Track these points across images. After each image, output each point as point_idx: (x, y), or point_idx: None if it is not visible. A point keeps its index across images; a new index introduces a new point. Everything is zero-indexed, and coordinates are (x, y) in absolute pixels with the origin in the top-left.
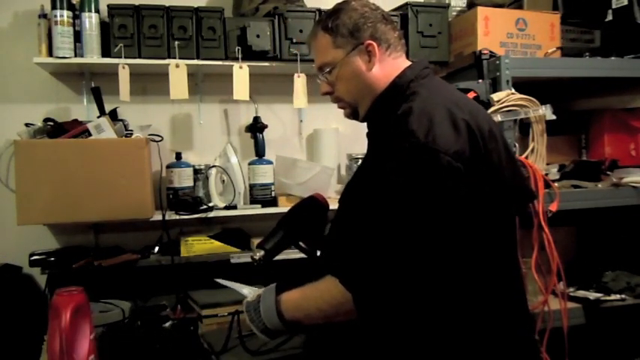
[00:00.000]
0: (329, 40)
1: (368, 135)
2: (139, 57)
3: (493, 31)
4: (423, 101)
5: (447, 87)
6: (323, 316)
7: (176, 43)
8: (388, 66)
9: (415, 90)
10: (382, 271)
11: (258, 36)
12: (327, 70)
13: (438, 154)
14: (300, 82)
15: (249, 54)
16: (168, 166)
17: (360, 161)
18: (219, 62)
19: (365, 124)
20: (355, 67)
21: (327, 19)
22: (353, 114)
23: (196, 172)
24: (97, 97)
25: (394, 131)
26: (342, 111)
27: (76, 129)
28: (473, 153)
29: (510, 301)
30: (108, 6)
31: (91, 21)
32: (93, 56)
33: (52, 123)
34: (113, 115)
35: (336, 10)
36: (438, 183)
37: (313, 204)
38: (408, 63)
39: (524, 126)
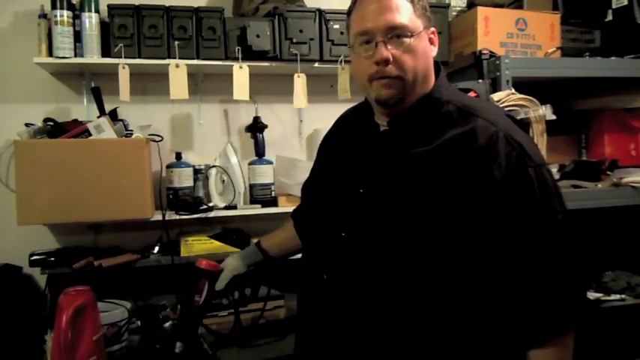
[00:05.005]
0: (409, 6)
1: (387, 137)
2: (139, 57)
3: (493, 31)
4: (499, 120)
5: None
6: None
7: (176, 43)
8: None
9: (465, 103)
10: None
11: (258, 36)
12: (401, 34)
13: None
14: (300, 82)
15: (249, 54)
16: (168, 166)
17: None
18: (219, 62)
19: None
20: (428, 46)
21: None
22: (398, 94)
23: (196, 172)
24: (97, 97)
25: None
26: (341, 111)
27: (76, 129)
28: None
29: None
30: (108, 6)
31: (91, 21)
32: (93, 56)
33: (52, 123)
34: (113, 115)
35: None
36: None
37: (197, 275)
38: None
39: (524, 126)
